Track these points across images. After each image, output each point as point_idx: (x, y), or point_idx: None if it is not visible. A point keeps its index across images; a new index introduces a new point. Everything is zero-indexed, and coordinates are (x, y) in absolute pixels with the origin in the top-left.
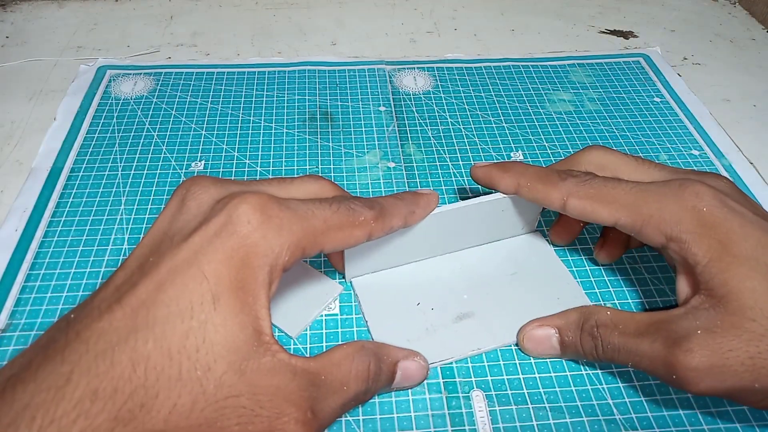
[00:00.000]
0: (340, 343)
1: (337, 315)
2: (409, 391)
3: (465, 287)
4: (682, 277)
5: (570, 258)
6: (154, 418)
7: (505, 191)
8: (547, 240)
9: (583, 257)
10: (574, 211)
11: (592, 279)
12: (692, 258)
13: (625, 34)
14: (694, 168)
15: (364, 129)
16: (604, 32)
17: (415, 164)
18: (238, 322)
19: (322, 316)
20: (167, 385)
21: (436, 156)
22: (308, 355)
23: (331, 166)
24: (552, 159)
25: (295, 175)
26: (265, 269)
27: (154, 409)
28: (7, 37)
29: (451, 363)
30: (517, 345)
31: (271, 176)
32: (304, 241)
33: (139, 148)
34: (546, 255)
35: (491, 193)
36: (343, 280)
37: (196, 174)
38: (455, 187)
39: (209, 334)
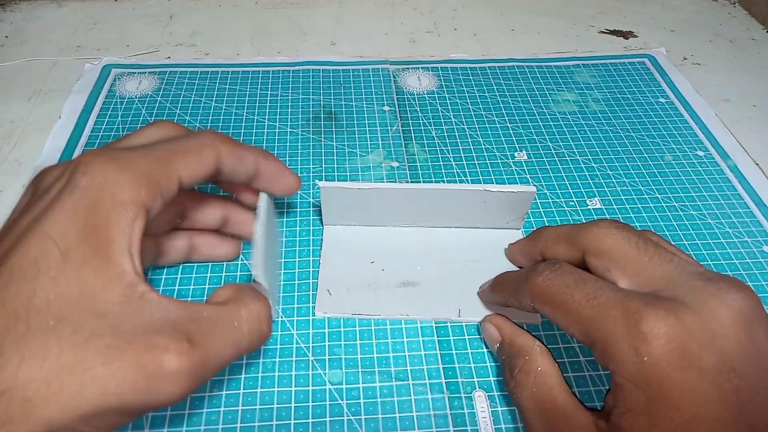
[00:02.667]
0: (340, 342)
1: (340, 318)
2: (411, 391)
3: (423, 260)
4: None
5: None
6: (0, 375)
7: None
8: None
9: None
10: (542, 314)
11: None
12: (613, 402)
13: (625, 34)
14: (699, 168)
15: (368, 129)
16: (604, 32)
17: (418, 164)
18: (92, 268)
19: (324, 318)
20: (13, 341)
21: (440, 156)
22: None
23: (335, 166)
24: (556, 159)
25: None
26: (117, 210)
27: None
28: (6, 36)
29: (452, 363)
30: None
31: None
32: (153, 172)
33: None
34: None
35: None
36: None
37: None
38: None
39: (61, 288)
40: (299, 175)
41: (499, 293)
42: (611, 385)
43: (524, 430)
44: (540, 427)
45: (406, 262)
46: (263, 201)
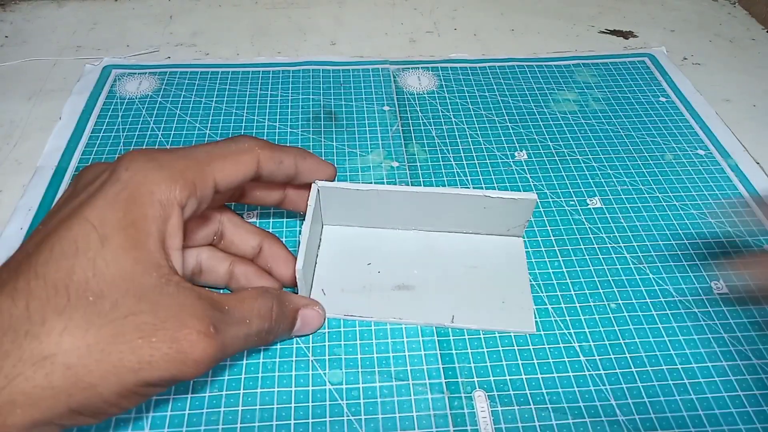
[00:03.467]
0: (340, 343)
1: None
2: (411, 391)
3: (420, 264)
4: None
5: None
6: (43, 342)
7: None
8: (526, 250)
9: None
10: None
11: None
12: None
13: (625, 34)
14: (699, 167)
15: (368, 128)
16: (604, 32)
17: (419, 164)
18: (132, 257)
19: (325, 321)
20: (54, 311)
21: (440, 156)
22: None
23: (335, 165)
24: (556, 159)
25: None
26: (154, 205)
27: (42, 334)
28: (6, 36)
29: (451, 363)
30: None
31: None
32: (190, 173)
33: (144, 147)
34: (515, 262)
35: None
36: None
37: None
38: (459, 187)
39: (98, 268)
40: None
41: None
42: None
43: (525, 429)
44: None
45: (402, 265)
46: (313, 199)
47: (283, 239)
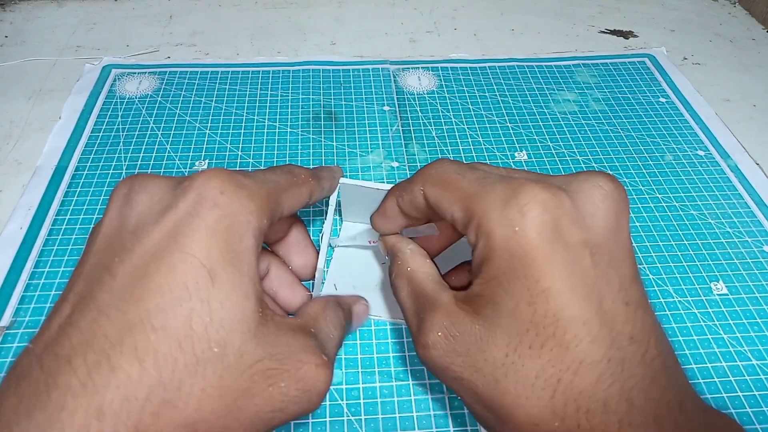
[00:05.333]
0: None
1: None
2: (411, 391)
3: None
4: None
5: None
6: (184, 410)
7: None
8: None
9: None
10: (429, 200)
11: None
12: (481, 272)
13: (625, 34)
14: (699, 168)
15: (368, 128)
16: (604, 32)
17: (419, 164)
18: (242, 293)
19: None
20: (186, 372)
21: (440, 156)
22: None
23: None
24: (556, 159)
25: None
26: (250, 234)
27: (181, 401)
28: (6, 36)
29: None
30: None
31: None
32: (270, 204)
33: (144, 147)
34: None
35: None
36: None
37: None
38: None
39: (215, 311)
40: None
41: (388, 201)
42: (475, 259)
43: None
44: (413, 318)
45: None
46: (335, 196)
47: None
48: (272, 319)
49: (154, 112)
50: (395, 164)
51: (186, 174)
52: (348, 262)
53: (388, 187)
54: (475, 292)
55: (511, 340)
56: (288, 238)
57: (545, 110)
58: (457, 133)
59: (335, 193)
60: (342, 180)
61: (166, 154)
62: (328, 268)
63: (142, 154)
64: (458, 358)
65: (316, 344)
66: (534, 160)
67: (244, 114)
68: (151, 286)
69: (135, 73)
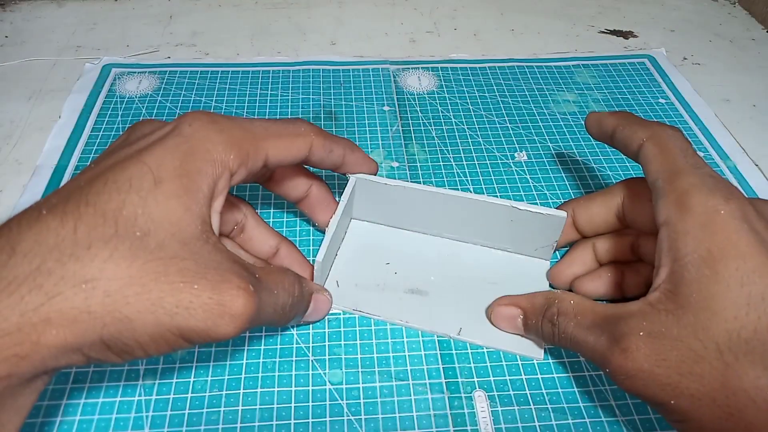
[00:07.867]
0: (340, 342)
1: (340, 315)
2: (411, 391)
3: (438, 271)
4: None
5: None
6: (87, 266)
7: (607, 127)
8: (548, 274)
9: None
10: (643, 157)
11: None
12: (676, 253)
13: (625, 34)
14: None
15: (368, 129)
16: (604, 32)
17: (419, 164)
18: (182, 205)
19: (325, 320)
20: (101, 238)
21: (440, 156)
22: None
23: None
24: (556, 160)
25: None
26: (208, 163)
27: (86, 258)
28: (6, 36)
29: (447, 361)
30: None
31: None
32: (246, 144)
33: None
34: (537, 286)
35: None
36: None
37: None
38: (459, 187)
39: (149, 206)
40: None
41: (618, 118)
42: (665, 245)
43: (525, 430)
44: (596, 340)
45: (420, 269)
46: (348, 192)
47: (297, 239)
48: (214, 243)
49: (154, 111)
50: (395, 164)
51: None
52: (352, 261)
53: (403, 183)
54: (678, 275)
55: (730, 324)
56: (309, 196)
57: (545, 110)
58: (457, 134)
59: (350, 185)
60: (357, 176)
61: None
62: (334, 262)
63: None
64: (671, 353)
65: (250, 279)
66: (534, 160)
67: (244, 114)
68: (99, 179)
69: (135, 72)
